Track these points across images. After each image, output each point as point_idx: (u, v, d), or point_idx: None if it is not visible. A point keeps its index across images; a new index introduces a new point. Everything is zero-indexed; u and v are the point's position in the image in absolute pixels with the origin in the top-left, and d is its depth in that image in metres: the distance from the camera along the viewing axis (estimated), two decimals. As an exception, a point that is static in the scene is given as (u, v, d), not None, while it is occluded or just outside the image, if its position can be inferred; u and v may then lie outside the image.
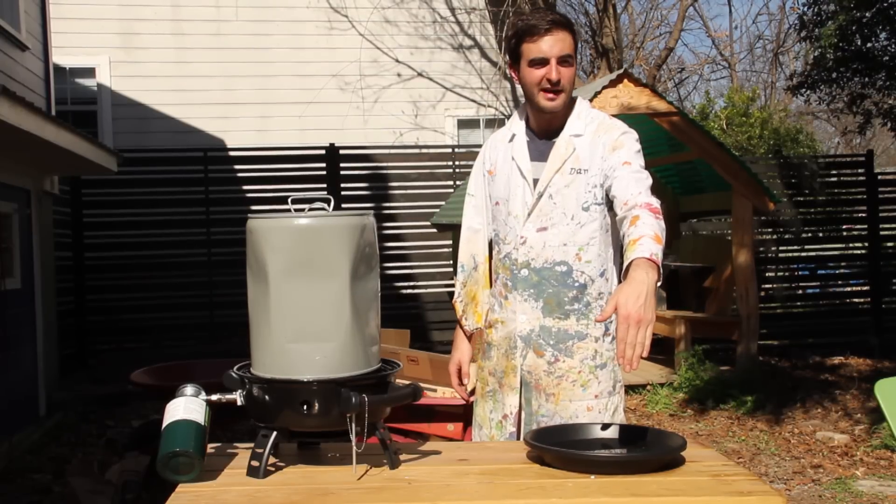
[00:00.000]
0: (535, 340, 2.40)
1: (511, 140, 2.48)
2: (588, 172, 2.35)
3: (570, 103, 2.43)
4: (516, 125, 2.49)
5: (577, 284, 2.37)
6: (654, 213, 2.09)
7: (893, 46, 8.97)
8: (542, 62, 2.32)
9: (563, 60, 2.32)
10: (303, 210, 1.88)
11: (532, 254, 2.38)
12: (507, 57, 2.46)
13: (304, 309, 1.83)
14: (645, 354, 1.84)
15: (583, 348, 2.38)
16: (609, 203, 2.33)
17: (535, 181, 2.40)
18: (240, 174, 9.53)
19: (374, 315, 1.93)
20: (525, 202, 2.40)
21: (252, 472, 1.79)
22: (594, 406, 2.39)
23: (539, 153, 2.42)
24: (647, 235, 2.00)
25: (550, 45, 2.30)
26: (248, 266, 1.92)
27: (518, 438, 2.43)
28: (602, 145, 2.35)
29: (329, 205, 1.92)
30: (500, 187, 2.47)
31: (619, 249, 2.37)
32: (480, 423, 2.53)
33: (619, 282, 2.25)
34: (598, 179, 2.35)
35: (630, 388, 7.46)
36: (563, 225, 2.36)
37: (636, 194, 2.16)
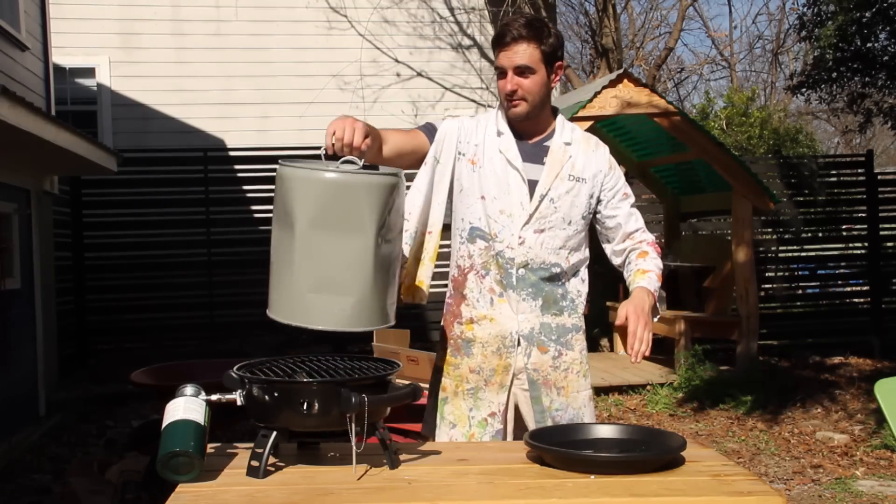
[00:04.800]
0: (538, 338, 2.43)
1: (499, 136, 2.46)
2: (587, 183, 2.46)
3: (550, 112, 2.50)
4: (502, 123, 2.48)
5: (565, 284, 2.48)
6: (658, 253, 2.51)
7: (893, 46, 8.98)
8: (503, 73, 2.40)
9: (520, 72, 2.37)
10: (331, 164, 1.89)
11: (531, 254, 2.41)
12: None
13: (327, 261, 1.83)
14: (647, 353, 2.25)
15: (580, 340, 2.51)
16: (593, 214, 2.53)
17: (530, 182, 2.42)
18: (240, 174, 9.53)
19: (395, 275, 1.95)
20: (521, 203, 2.41)
21: (252, 472, 1.80)
22: (590, 395, 2.54)
23: (527, 154, 2.45)
24: (654, 272, 2.44)
25: (507, 57, 2.37)
26: (274, 210, 1.93)
27: (505, 436, 2.44)
28: (597, 161, 2.49)
29: (360, 162, 1.92)
30: (488, 182, 2.43)
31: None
32: (453, 422, 2.48)
33: (589, 283, 2.56)
34: (595, 191, 2.48)
35: (630, 388, 7.47)
36: (560, 229, 2.43)
37: (642, 230, 2.53)
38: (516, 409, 2.48)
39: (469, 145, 2.47)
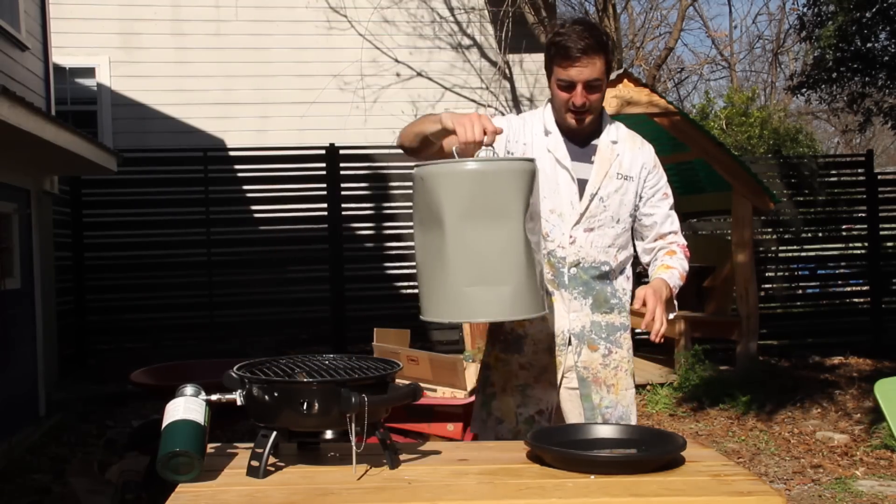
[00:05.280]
0: (588, 336, 2.46)
1: (546, 135, 2.46)
2: (634, 181, 2.48)
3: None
4: (550, 122, 2.47)
5: (613, 283, 2.50)
6: (686, 256, 2.54)
7: (893, 46, 8.98)
8: (570, 86, 2.35)
9: (590, 86, 2.35)
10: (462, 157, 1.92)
11: (581, 253, 2.44)
12: (544, 63, 2.46)
13: (481, 253, 1.85)
14: (664, 333, 2.29)
15: (627, 339, 2.53)
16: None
17: (580, 181, 2.43)
18: (240, 174, 9.53)
19: (541, 260, 1.98)
20: (571, 202, 2.42)
21: (252, 472, 1.80)
22: (634, 394, 2.55)
23: (575, 153, 2.46)
24: (678, 270, 2.47)
25: (578, 72, 2.33)
26: (417, 214, 1.94)
27: None
28: (643, 159, 2.50)
29: (494, 150, 1.96)
30: (542, 183, 2.41)
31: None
32: (500, 418, 2.49)
33: (633, 278, 2.56)
34: (640, 189, 2.50)
35: (630, 388, 7.46)
36: (609, 227, 2.45)
37: (675, 233, 2.57)
38: (558, 407, 2.49)
39: (518, 144, 2.46)
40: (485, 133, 2.07)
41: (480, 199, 1.85)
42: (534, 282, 1.89)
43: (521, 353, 2.47)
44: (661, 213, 2.52)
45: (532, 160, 2.00)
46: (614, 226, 2.45)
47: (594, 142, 2.47)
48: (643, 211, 2.52)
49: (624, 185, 2.46)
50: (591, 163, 2.44)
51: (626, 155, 2.48)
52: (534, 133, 2.47)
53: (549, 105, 2.49)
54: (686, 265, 2.51)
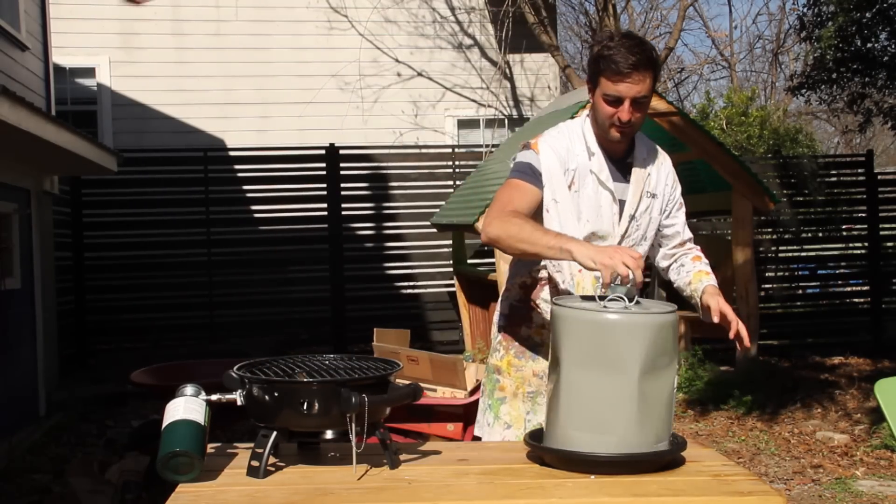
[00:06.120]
0: None
1: (590, 158, 2.42)
2: (658, 199, 2.50)
3: None
4: (591, 142, 2.43)
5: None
6: (706, 258, 2.60)
7: (893, 46, 8.98)
8: (617, 101, 2.30)
9: (638, 102, 2.31)
10: (604, 297, 1.91)
11: None
12: (587, 74, 2.41)
13: (590, 401, 1.86)
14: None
15: None
16: None
17: (620, 202, 2.43)
18: (240, 174, 9.53)
19: (664, 410, 1.91)
20: (613, 224, 2.42)
21: (252, 472, 1.80)
22: None
23: (615, 174, 2.45)
24: (712, 273, 2.53)
25: (628, 87, 2.28)
26: (550, 346, 1.99)
27: None
28: (665, 175, 2.52)
29: (628, 300, 1.90)
30: (586, 206, 2.41)
31: None
32: (509, 423, 2.49)
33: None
34: (663, 205, 2.53)
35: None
36: (639, 246, 2.48)
37: (692, 238, 2.63)
38: None
39: (569, 172, 2.42)
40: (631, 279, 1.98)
41: (594, 348, 1.84)
42: (645, 434, 1.86)
43: (536, 360, 2.46)
44: (681, 221, 2.58)
45: (668, 311, 1.90)
46: (643, 244, 2.49)
47: (629, 160, 2.46)
48: (665, 223, 2.55)
49: (651, 203, 2.48)
50: (628, 182, 2.44)
51: (654, 173, 2.49)
52: (577, 154, 2.42)
53: (588, 119, 2.44)
54: (708, 263, 2.58)
